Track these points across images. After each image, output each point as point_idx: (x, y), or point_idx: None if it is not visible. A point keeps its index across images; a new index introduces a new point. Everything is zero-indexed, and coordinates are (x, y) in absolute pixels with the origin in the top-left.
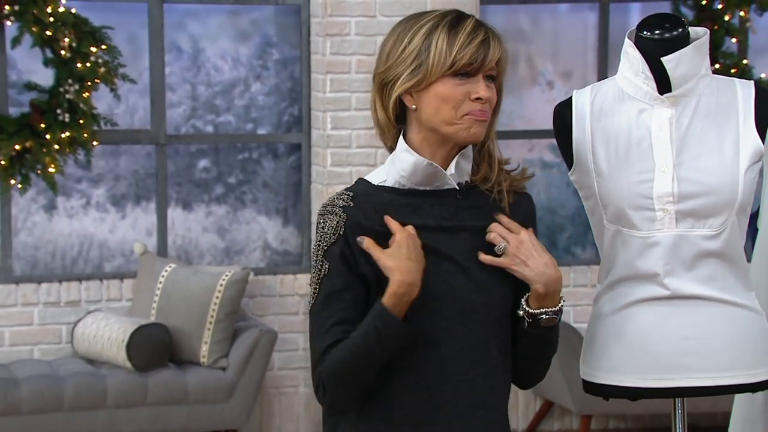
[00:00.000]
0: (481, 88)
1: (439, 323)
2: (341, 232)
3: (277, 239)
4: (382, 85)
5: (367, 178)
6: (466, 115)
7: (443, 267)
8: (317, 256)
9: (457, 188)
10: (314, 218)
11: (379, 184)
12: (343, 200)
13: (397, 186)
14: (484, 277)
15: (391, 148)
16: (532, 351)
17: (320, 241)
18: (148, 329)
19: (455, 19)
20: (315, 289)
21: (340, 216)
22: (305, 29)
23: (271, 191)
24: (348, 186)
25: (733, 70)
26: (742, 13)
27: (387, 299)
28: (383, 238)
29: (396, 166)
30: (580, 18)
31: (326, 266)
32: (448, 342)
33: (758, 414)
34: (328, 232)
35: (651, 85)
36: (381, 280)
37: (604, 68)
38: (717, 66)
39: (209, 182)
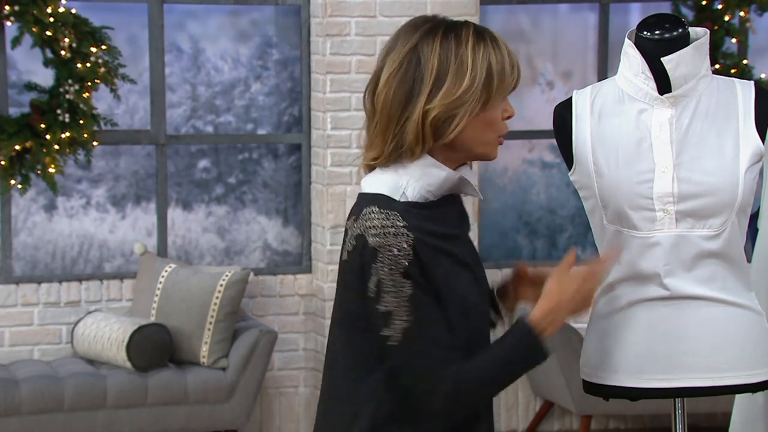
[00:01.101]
0: (509, 105)
1: (474, 331)
2: (415, 251)
3: (277, 239)
4: (438, 119)
5: (384, 193)
6: (499, 136)
7: (467, 276)
8: (393, 279)
9: (481, 197)
10: (314, 218)
11: (403, 200)
12: (399, 220)
13: (421, 200)
14: (484, 284)
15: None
16: None
17: (393, 264)
18: (148, 329)
19: (493, 37)
20: (407, 310)
21: (407, 236)
22: (305, 29)
23: (271, 191)
24: (373, 204)
25: (733, 71)
26: (742, 14)
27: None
28: (441, 254)
29: (422, 181)
30: (580, 18)
31: (409, 284)
32: (481, 349)
33: (758, 414)
34: (401, 254)
35: (651, 86)
36: (440, 291)
37: (604, 68)
38: (717, 66)
39: (209, 182)
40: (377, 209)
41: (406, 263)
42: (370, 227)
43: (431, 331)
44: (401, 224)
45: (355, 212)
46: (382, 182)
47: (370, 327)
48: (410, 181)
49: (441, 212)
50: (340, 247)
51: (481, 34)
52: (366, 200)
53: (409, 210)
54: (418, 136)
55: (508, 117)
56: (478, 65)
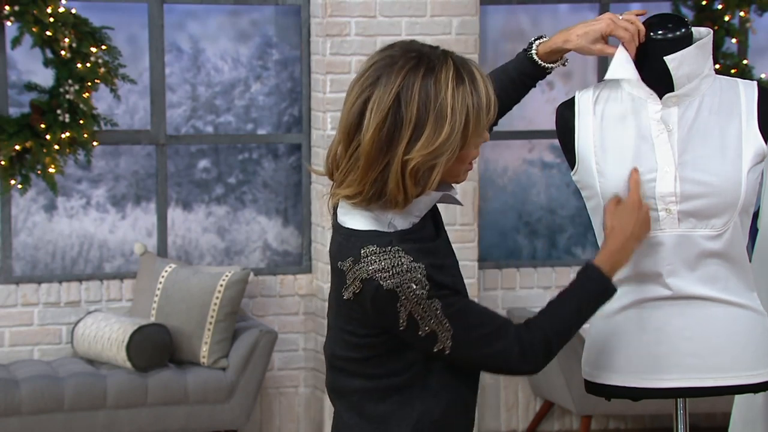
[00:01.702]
0: (485, 132)
1: None
2: (429, 276)
3: (277, 239)
4: (417, 170)
5: (374, 229)
6: (469, 162)
7: (460, 274)
8: (421, 306)
9: (461, 204)
10: (314, 218)
11: (392, 230)
12: (403, 255)
13: (411, 227)
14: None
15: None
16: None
17: (415, 297)
18: (148, 329)
19: (470, 74)
20: (446, 322)
21: (418, 268)
22: (305, 30)
23: (271, 191)
24: (369, 244)
25: (733, 71)
26: (742, 14)
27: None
28: (444, 268)
29: (411, 209)
30: (580, 18)
31: (436, 301)
32: None
33: (758, 414)
34: (419, 286)
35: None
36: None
37: (604, 68)
38: (717, 66)
39: (209, 182)
40: (377, 248)
41: (427, 290)
42: (378, 270)
43: (475, 318)
44: (408, 259)
45: (351, 253)
46: (368, 217)
47: (407, 347)
48: (398, 211)
49: (422, 228)
50: None
51: (460, 74)
52: (358, 239)
53: (403, 239)
54: (399, 186)
55: (482, 142)
56: (457, 112)
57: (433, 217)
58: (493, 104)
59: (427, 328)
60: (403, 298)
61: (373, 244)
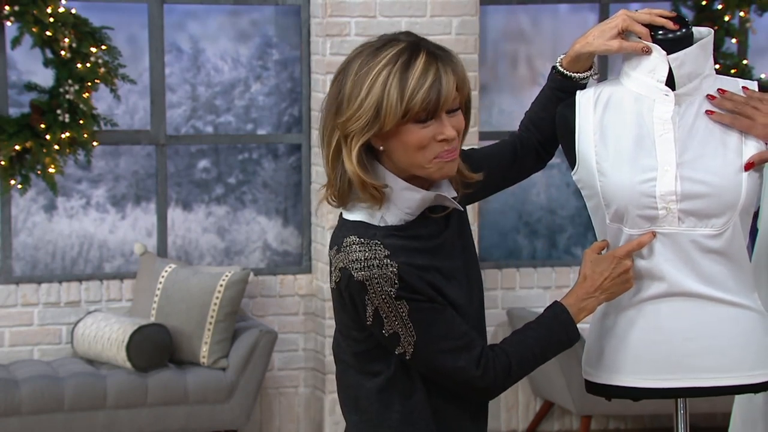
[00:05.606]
0: (445, 128)
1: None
2: (401, 277)
3: (277, 239)
4: (347, 135)
5: (363, 220)
6: (436, 158)
7: (453, 284)
8: (388, 305)
9: (462, 209)
10: (314, 218)
11: (383, 224)
12: (381, 250)
13: (402, 224)
14: (473, 284)
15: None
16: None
17: (383, 294)
18: (148, 329)
19: (407, 61)
20: (410, 326)
21: (391, 266)
22: (305, 30)
23: (271, 191)
24: (353, 233)
25: (733, 71)
26: (742, 14)
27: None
28: (426, 271)
29: (399, 205)
30: (580, 18)
31: (403, 303)
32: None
33: (758, 414)
34: (388, 283)
35: (655, 84)
36: (435, 297)
37: (604, 68)
38: (717, 66)
39: (209, 183)
40: (357, 239)
41: (395, 289)
42: (353, 261)
43: (441, 330)
44: (383, 254)
45: (337, 242)
46: (362, 209)
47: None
48: (389, 206)
49: (421, 226)
50: None
51: (395, 59)
52: (347, 229)
53: (389, 235)
54: (343, 157)
55: (443, 140)
56: (375, 89)
57: (448, 219)
58: (422, 95)
59: (390, 329)
60: (371, 292)
61: (356, 234)
